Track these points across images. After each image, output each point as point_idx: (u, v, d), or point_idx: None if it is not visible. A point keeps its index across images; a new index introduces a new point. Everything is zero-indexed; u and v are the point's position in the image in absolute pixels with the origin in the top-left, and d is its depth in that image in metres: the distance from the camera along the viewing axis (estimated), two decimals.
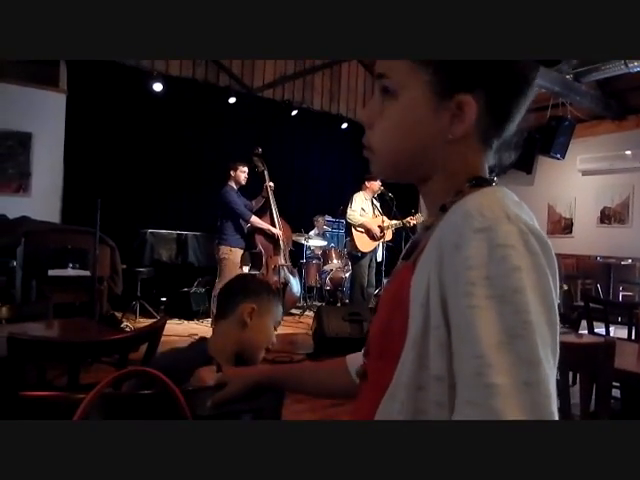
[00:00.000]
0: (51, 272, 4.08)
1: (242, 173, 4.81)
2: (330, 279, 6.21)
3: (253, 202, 5.08)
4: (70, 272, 4.20)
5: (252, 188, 5.09)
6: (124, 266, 4.81)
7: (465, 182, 0.62)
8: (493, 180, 0.64)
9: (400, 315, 0.59)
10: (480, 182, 0.62)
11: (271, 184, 5.14)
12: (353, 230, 5.43)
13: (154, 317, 4.94)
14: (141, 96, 5.87)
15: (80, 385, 1.51)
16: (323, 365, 0.93)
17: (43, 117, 5.41)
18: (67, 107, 5.55)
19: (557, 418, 0.48)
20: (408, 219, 5.60)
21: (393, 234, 5.82)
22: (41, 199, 5.37)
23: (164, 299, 5.74)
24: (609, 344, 1.58)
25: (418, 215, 5.59)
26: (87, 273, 4.13)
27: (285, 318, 5.33)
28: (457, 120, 0.60)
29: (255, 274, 4.94)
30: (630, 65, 5.16)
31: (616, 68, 5.31)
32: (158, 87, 5.88)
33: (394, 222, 5.58)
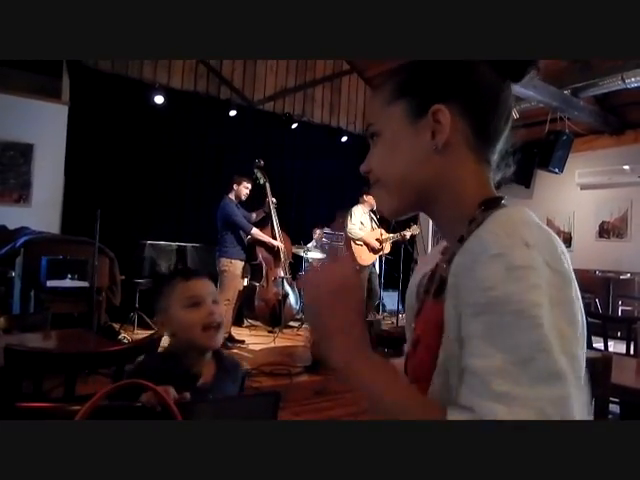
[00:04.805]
0: (50, 283, 4.07)
1: (245, 189, 4.82)
2: None
3: (253, 214, 5.08)
4: (69, 283, 4.19)
5: (253, 199, 5.09)
6: (123, 277, 4.79)
7: (475, 207, 0.63)
8: (502, 198, 0.64)
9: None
10: (490, 205, 0.62)
11: (274, 200, 5.17)
12: (352, 243, 5.44)
13: (152, 329, 4.91)
14: (143, 108, 5.90)
15: (76, 397, 1.50)
16: None
17: (45, 128, 5.43)
18: (69, 119, 5.56)
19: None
20: (404, 231, 5.65)
21: (391, 247, 5.84)
22: (41, 209, 5.37)
23: None
24: (606, 359, 1.57)
25: (414, 227, 5.65)
26: (86, 284, 4.12)
27: (284, 331, 5.31)
28: (437, 131, 0.63)
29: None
30: (627, 81, 5.20)
31: (613, 84, 5.35)
32: (160, 99, 5.91)
33: (391, 235, 5.63)
